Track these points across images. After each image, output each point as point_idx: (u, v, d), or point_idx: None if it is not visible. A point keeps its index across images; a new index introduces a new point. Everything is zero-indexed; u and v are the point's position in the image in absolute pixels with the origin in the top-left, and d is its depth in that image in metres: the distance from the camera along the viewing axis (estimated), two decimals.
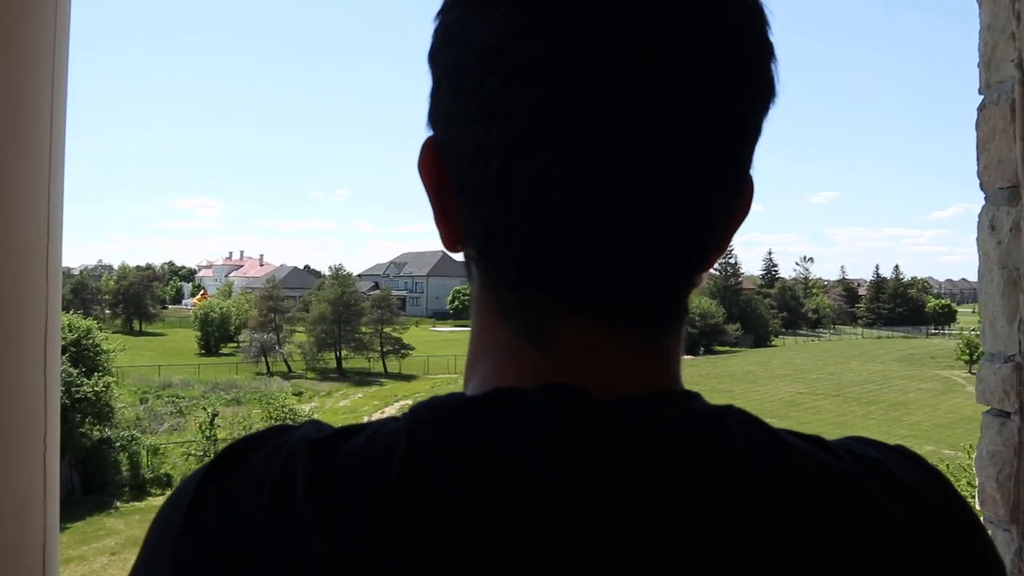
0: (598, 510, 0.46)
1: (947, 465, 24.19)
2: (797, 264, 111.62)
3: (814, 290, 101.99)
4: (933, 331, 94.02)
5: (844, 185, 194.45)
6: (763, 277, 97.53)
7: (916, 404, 40.86)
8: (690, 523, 0.46)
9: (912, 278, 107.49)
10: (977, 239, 1.42)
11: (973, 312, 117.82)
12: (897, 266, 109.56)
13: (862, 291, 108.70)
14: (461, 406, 0.50)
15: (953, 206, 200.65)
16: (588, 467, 0.47)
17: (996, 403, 1.36)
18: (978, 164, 1.41)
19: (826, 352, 65.90)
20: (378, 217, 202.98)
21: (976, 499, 1.38)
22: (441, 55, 0.54)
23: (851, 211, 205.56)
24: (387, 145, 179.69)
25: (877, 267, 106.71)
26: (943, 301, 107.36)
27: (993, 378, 1.36)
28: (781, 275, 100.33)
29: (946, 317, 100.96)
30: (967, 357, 51.08)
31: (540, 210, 0.49)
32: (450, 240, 0.57)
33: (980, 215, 1.41)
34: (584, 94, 0.47)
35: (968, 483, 22.49)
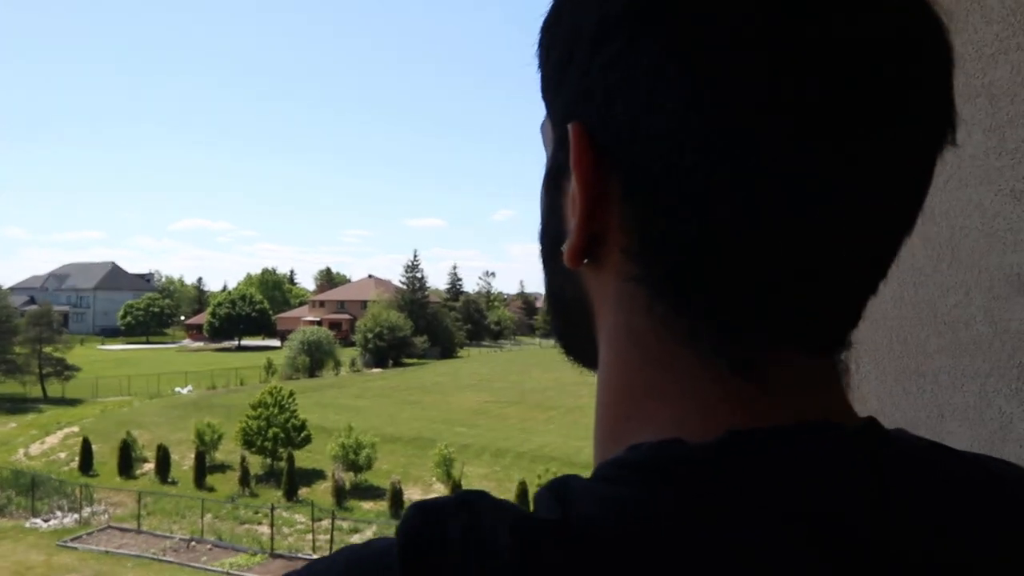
0: (923, 562, 0.41)
1: None
2: (480, 278, 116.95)
3: (496, 303, 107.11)
4: None
5: (521, 204, 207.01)
6: (449, 291, 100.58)
7: (590, 407, 41.81)
8: (986, 557, 0.43)
9: None
10: None
11: None
12: None
13: (539, 304, 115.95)
14: (702, 456, 0.41)
15: None
16: (898, 515, 0.41)
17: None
18: None
19: (509, 362, 69.33)
20: (32, 222, 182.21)
21: None
22: (634, 21, 0.43)
23: (528, 229, 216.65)
24: (44, 136, 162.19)
25: None
26: None
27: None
28: (466, 289, 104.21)
29: None
30: None
31: (776, 227, 0.42)
32: (581, 249, 0.48)
33: None
34: (859, 96, 0.41)
35: None
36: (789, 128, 0.41)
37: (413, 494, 28.12)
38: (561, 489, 0.42)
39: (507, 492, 27.32)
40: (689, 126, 0.42)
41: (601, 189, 0.46)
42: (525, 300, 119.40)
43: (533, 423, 39.80)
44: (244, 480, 29.64)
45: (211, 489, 29.68)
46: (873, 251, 0.46)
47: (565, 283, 0.52)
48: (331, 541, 23.50)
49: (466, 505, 0.41)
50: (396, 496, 26.55)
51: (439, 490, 28.27)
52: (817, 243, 0.43)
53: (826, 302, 0.45)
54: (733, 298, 0.44)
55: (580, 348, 0.55)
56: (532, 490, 25.70)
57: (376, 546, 0.41)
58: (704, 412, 0.45)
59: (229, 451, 32.29)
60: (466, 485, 27.20)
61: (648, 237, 0.45)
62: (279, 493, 28.51)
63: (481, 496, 0.42)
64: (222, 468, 31.72)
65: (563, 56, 0.48)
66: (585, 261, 0.49)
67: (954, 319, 1.32)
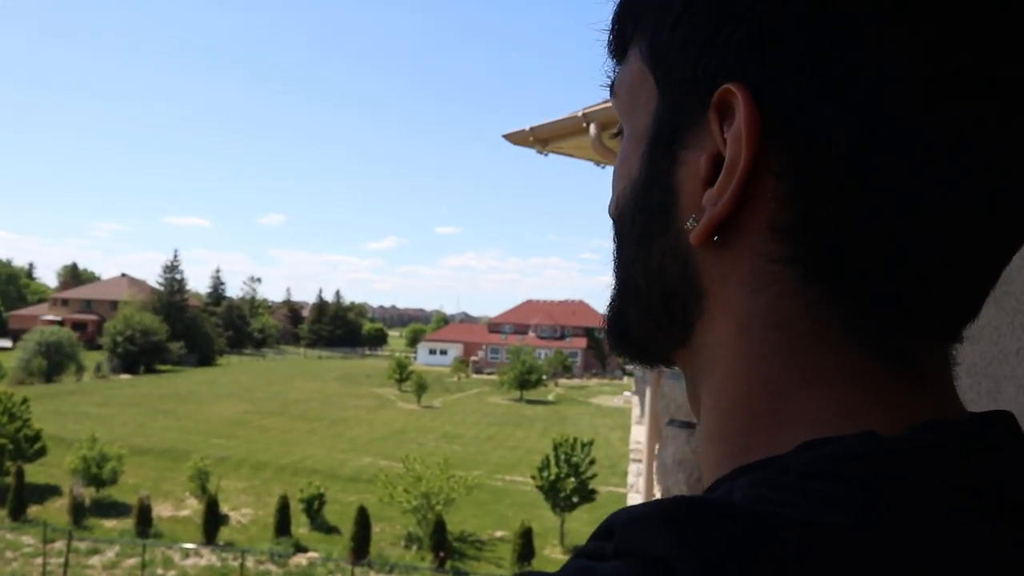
0: None
1: (385, 474, 26.39)
2: (244, 283, 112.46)
3: (260, 310, 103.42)
4: (368, 352, 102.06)
5: (291, 208, 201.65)
6: (210, 295, 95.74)
7: (355, 420, 43.80)
8: None
9: (351, 303, 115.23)
10: None
11: (400, 336, 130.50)
12: (338, 291, 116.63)
13: (305, 313, 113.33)
14: (914, 450, 0.38)
15: (388, 238, 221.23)
16: None
17: (683, 415, 1.49)
18: None
19: (271, 371, 67.28)
20: None
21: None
22: None
23: (297, 235, 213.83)
24: None
25: (320, 290, 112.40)
26: (377, 325, 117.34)
27: (680, 394, 1.50)
28: (229, 294, 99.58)
29: (379, 340, 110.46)
30: (397, 376, 56.43)
31: (950, 212, 0.40)
32: (720, 225, 0.43)
33: None
34: None
35: (404, 489, 24.77)
36: (997, 112, 0.39)
37: (163, 510, 26.37)
38: (777, 485, 0.37)
39: (267, 507, 26.27)
40: (895, 100, 0.39)
41: (759, 160, 0.41)
42: (291, 308, 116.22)
43: (295, 435, 38.74)
44: None
45: None
46: (1009, 244, 0.43)
47: (668, 262, 0.47)
48: (65, 564, 21.35)
49: (696, 510, 0.36)
50: (144, 513, 24.67)
51: (192, 506, 26.64)
52: (975, 232, 0.41)
53: (967, 293, 0.44)
54: (895, 285, 0.41)
55: (653, 339, 0.51)
56: (294, 504, 24.90)
57: (597, 571, 0.35)
58: (869, 404, 0.42)
59: None
60: (223, 500, 25.93)
61: (813, 216, 0.41)
62: (3, 512, 25.62)
63: (717, 501, 0.37)
64: None
65: (716, 12, 0.43)
66: (715, 238, 0.44)
67: None
